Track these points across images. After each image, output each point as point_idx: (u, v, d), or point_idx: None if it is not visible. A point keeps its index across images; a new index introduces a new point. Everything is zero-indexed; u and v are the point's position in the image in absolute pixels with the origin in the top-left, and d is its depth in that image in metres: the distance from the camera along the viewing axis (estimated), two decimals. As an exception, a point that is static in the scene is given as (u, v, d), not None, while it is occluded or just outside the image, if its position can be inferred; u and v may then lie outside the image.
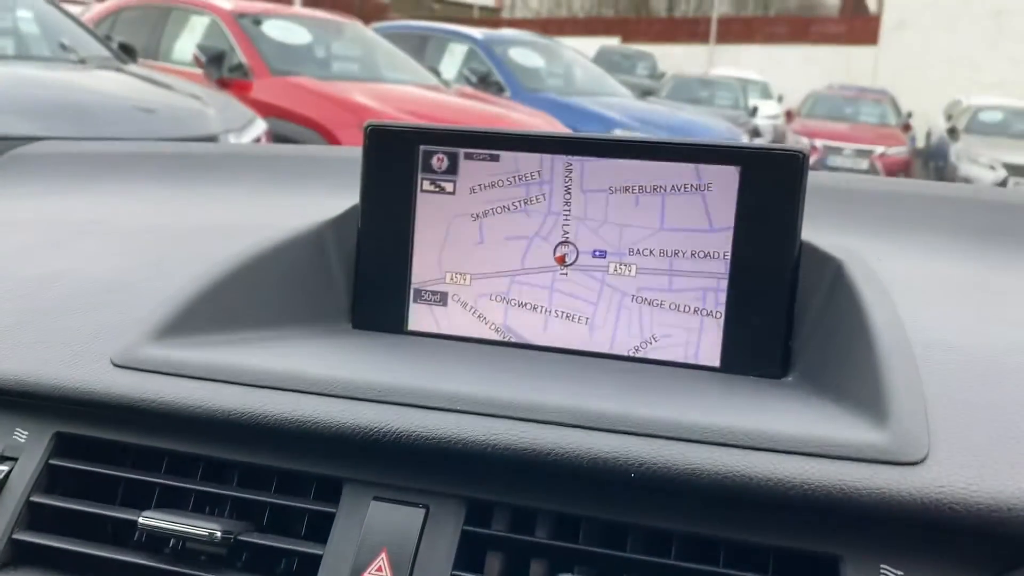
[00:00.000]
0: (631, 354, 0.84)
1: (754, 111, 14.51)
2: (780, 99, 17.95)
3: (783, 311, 0.79)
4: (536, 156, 0.85)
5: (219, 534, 0.66)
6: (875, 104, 15.29)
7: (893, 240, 0.91)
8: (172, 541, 0.70)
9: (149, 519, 0.68)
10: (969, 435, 0.60)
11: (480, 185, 0.87)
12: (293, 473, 0.70)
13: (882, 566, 0.58)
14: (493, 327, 0.87)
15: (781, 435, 0.62)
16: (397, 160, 0.88)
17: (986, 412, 0.62)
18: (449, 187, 0.87)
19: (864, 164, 12.60)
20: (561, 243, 0.85)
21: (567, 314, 0.85)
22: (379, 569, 0.64)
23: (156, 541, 0.71)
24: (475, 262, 0.87)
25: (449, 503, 0.66)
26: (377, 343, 0.85)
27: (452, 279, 0.88)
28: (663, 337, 0.83)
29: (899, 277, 0.79)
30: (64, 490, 0.74)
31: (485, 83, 8.43)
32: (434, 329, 0.88)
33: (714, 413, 0.65)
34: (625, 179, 0.83)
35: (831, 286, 0.77)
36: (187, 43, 6.93)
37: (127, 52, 5.35)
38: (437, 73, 7.85)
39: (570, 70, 9.46)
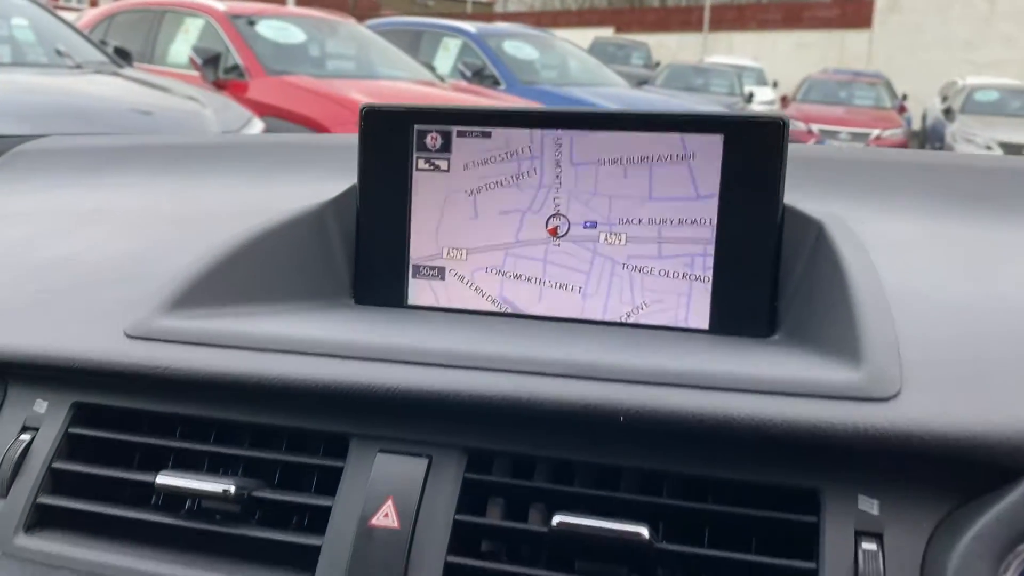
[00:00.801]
0: (623, 320, 0.87)
1: (750, 97, 14.54)
2: (775, 85, 18.00)
3: (768, 273, 0.82)
4: (526, 131, 0.88)
5: (233, 490, 0.70)
6: (870, 87, 15.30)
7: (875, 205, 0.94)
8: (188, 502, 0.74)
9: (166, 479, 0.71)
10: (939, 372, 0.64)
11: (473, 162, 0.90)
12: (302, 431, 0.74)
13: (860, 496, 0.62)
14: (490, 299, 0.90)
15: (761, 377, 0.65)
16: (392, 140, 0.91)
17: (956, 352, 0.66)
18: (443, 164, 0.90)
19: (860, 147, 12.60)
20: (553, 215, 0.88)
21: (561, 284, 0.88)
22: (386, 515, 0.67)
23: (173, 502, 0.74)
24: (471, 237, 0.90)
25: (451, 453, 0.70)
26: (379, 315, 0.88)
27: (449, 254, 0.91)
28: (654, 303, 0.86)
29: (879, 237, 0.82)
30: (84, 457, 0.77)
31: (480, 77, 8.45)
32: (433, 303, 0.91)
33: (698, 361, 0.68)
34: (613, 151, 0.86)
35: (813, 247, 0.80)
36: (182, 46, 6.96)
37: (122, 56, 5.39)
38: (432, 68, 7.88)
39: (564, 61, 9.48)
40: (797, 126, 13.26)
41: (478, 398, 0.67)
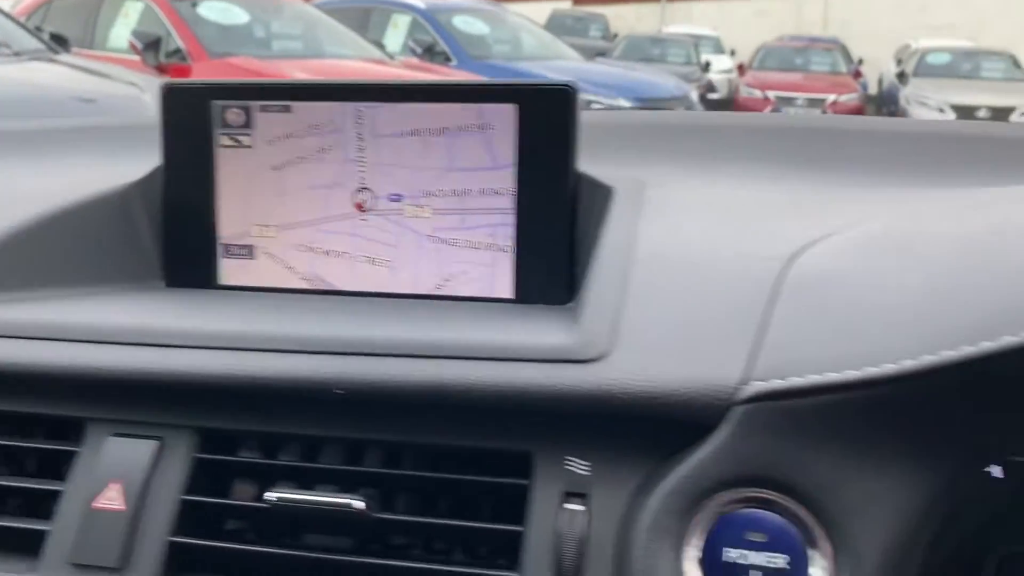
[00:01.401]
0: (433, 292, 0.86)
1: (707, 66, 14.56)
2: (732, 53, 17.99)
3: (564, 240, 0.82)
4: (327, 105, 0.87)
5: None
6: (825, 53, 15.35)
7: (694, 169, 0.94)
8: None
9: None
10: (652, 334, 0.64)
11: (277, 137, 0.88)
12: (40, 417, 0.73)
13: (567, 458, 0.62)
14: (301, 276, 0.89)
15: (474, 344, 0.65)
16: (193, 117, 0.89)
17: (673, 313, 0.66)
18: (247, 141, 0.89)
19: (817, 113, 12.67)
20: (358, 189, 0.88)
21: (370, 258, 0.88)
22: (111, 498, 0.67)
23: None
24: (279, 214, 0.89)
25: (182, 434, 0.69)
26: (181, 298, 0.87)
27: (259, 232, 0.90)
28: (461, 273, 0.86)
29: (662, 200, 0.82)
30: None
31: (431, 53, 8.40)
32: (245, 282, 0.90)
33: (420, 331, 0.68)
34: (413, 123, 0.86)
35: (602, 212, 0.80)
36: (122, 30, 6.87)
37: (59, 42, 5.31)
38: (381, 46, 7.82)
39: (517, 36, 9.44)
40: (753, 94, 13.30)
41: (206, 378, 0.67)
